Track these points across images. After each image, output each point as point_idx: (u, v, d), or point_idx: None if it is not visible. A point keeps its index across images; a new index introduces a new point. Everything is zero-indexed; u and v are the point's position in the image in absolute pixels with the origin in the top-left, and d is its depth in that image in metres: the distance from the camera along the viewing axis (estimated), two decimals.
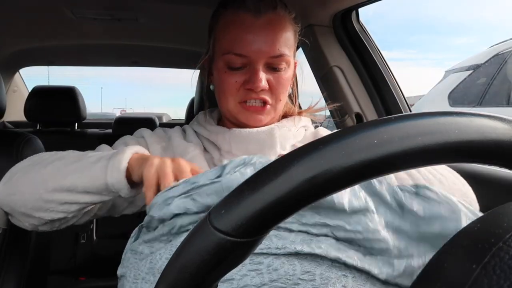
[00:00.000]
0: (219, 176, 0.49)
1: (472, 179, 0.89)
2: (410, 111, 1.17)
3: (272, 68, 0.70)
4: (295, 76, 0.81)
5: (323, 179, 0.22)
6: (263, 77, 0.69)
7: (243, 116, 0.72)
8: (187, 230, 0.50)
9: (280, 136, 0.73)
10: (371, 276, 0.46)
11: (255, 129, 0.72)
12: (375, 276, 0.46)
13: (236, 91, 0.71)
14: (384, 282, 0.46)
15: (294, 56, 0.76)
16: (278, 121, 0.78)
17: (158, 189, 0.54)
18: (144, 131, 0.81)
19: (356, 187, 0.47)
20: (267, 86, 0.70)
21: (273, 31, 0.69)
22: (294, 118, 0.78)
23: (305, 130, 0.80)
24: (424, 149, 0.22)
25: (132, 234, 0.61)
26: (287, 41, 0.71)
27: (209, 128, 0.77)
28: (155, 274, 0.51)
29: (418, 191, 0.48)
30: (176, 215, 0.50)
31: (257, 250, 0.44)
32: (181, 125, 0.86)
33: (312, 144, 0.23)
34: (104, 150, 0.74)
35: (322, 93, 1.18)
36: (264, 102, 0.71)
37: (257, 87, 0.68)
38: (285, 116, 0.82)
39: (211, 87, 0.79)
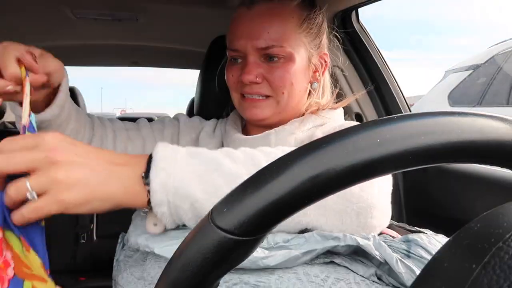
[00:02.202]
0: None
1: (472, 179, 0.89)
2: (410, 111, 1.17)
3: (269, 60, 0.67)
4: (325, 69, 0.74)
5: (325, 178, 0.22)
6: (254, 70, 0.66)
7: (243, 109, 0.71)
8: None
9: (277, 142, 0.69)
10: (351, 270, 0.47)
11: (251, 136, 0.71)
12: (354, 271, 0.46)
13: (236, 84, 0.70)
14: (363, 276, 0.47)
15: (312, 47, 0.71)
16: (298, 117, 0.72)
17: None
18: (182, 116, 0.83)
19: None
20: (259, 79, 0.67)
21: (261, 22, 0.66)
22: (302, 119, 0.71)
23: (321, 127, 0.72)
24: (426, 149, 0.22)
25: (119, 240, 0.61)
26: (282, 31, 0.66)
27: (227, 128, 0.76)
28: (145, 278, 0.51)
29: (409, 248, 0.48)
30: None
31: None
32: None
33: (315, 143, 0.23)
34: (142, 123, 0.80)
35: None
36: (264, 96, 0.68)
37: (245, 79, 0.66)
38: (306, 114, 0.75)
39: None
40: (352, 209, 0.47)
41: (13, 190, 0.38)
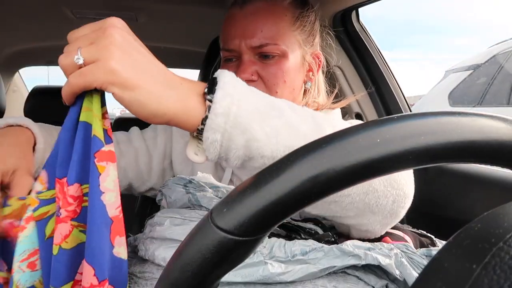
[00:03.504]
0: None
1: (472, 179, 0.89)
2: (410, 111, 1.17)
3: (263, 58, 0.67)
4: (319, 68, 0.75)
5: (325, 178, 0.22)
6: (249, 68, 0.66)
7: None
8: None
9: None
10: (361, 279, 0.46)
11: None
12: (365, 280, 0.46)
13: None
14: (374, 287, 0.46)
15: (306, 44, 0.71)
16: None
17: None
18: None
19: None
20: (255, 77, 0.67)
21: (254, 21, 0.66)
22: None
23: None
24: (427, 149, 0.22)
25: None
26: (276, 29, 0.66)
27: None
28: (145, 277, 0.51)
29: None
30: None
31: None
32: None
33: (315, 143, 0.23)
34: (134, 134, 0.77)
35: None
36: None
37: (241, 78, 0.66)
38: None
39: None
40: (391, 194, 0.46)
41: (64, 53, 0.38)
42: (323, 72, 0.78)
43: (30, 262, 0.39)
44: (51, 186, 0.40)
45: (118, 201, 0.38)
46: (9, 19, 1.36)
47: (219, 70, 0.41)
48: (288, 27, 0.68)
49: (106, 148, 0.38)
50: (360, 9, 1.11)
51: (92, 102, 0.39)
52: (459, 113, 0.23)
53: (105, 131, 0.40)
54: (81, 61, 0.37)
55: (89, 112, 0.39)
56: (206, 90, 0.39)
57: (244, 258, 0.25)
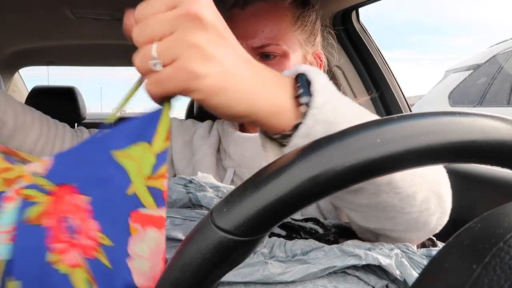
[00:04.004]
0: None
1: (472, 179, 0.89)
2: (410, 111, 1.17)
3: (265, 58, 0.67)
4: (320, 68, 0.74)
5: (325, 178, 0.22)
6: None
7: None
8: None
9: None
10: (362, 279, 0.46)
11: (253, 134, 0.70)
12: (365, 280, 0.46)
13: None
14: (374, 287, 0.46)
15: (307, 44, 0.70)
16: None
17: None
18: (175, 120, 0.81)
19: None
20: None
21: (255, 21, 0.66)
22: None
23: None
24: (427, 148, 0.22)
25: None
26: (277, 29, 0.66)
27: (225, 127, 0.75)
28: None
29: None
30: None
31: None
32: None
33: (315, 143, 0.23)
34: None
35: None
36: None
37: None
38: None
39: None
40: (438, 212, 0.45)
41: (137, 57, 0.30)
42: (324, 71, 0.78)
43: (13, 235, 0.34)
44: (50, 178, 0.36)
45: (153, 272, 0.32)
46: (9, 19, 1.36)
47: (306, 66, 0.36)
48: (289, 27, 0.68)
49: (147, 211, 0.32)
50: (360, 9, 1.11)
51: (142, 157, 0.32)
52: (459, 113, 0.23)
53: (159, 192, 0.32)
54: (159, 67, 0.30)
55: (132, 163, 0.33)
56: (300, 92, 0.33)
57: (244, 258, 0.25)
